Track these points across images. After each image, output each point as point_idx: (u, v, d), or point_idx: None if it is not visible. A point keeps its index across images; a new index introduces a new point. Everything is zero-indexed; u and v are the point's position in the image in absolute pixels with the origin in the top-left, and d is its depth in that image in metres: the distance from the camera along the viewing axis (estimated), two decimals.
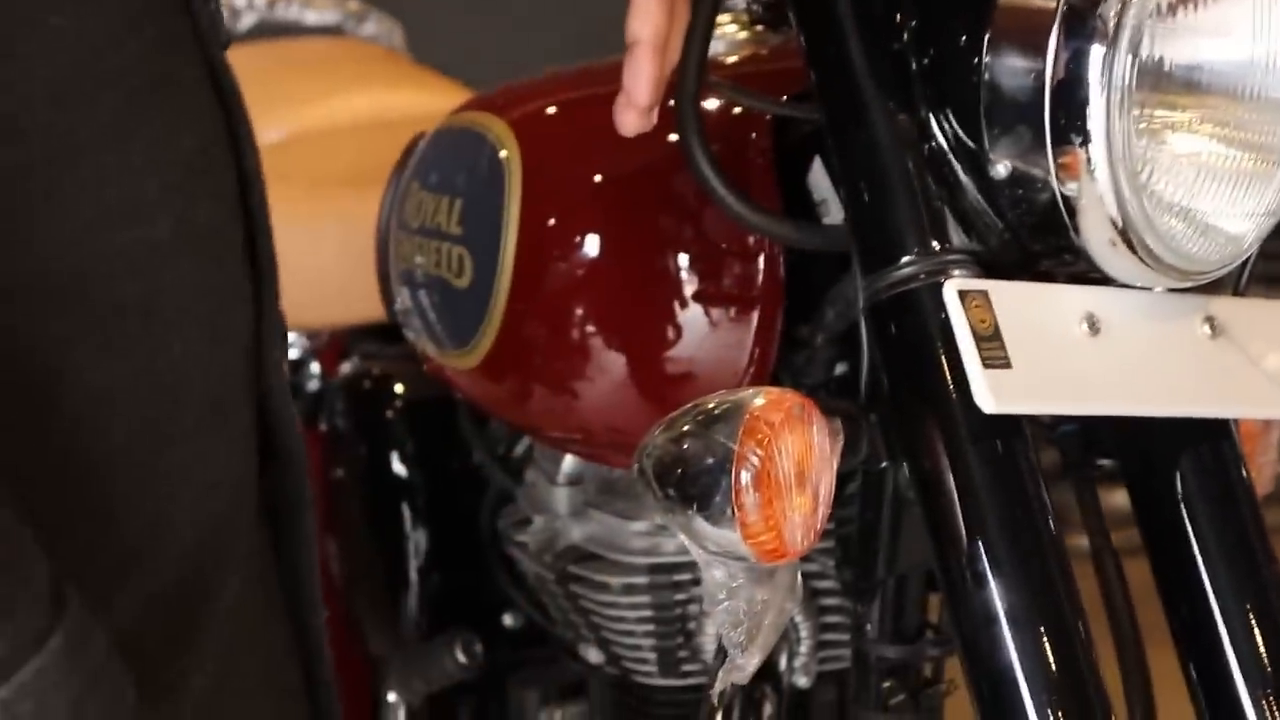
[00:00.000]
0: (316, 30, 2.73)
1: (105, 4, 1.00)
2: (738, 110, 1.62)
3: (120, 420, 1.04)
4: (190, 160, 1.07)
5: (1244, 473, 1.51)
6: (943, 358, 1.34)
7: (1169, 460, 1.49)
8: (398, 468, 2.07)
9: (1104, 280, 1.41)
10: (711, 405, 1.38)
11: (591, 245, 1.67)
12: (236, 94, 1.18)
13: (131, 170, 1.02)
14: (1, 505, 0.91)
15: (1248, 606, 1.47)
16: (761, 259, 1.60)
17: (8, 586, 0.89)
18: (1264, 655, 1.45)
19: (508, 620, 2.02)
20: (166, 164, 1.06)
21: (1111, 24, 1.32)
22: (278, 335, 1.20)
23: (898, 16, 1.45)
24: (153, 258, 1.03)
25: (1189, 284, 1.43)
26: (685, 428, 1.38)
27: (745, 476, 1.34)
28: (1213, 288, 1.47)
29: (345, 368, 2.19)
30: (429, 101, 2.34)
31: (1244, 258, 1.46)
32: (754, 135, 1.59)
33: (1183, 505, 1.49)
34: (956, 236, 1.41)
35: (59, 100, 0.98)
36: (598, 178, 1.68)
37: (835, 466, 1.39)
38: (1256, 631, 1.46)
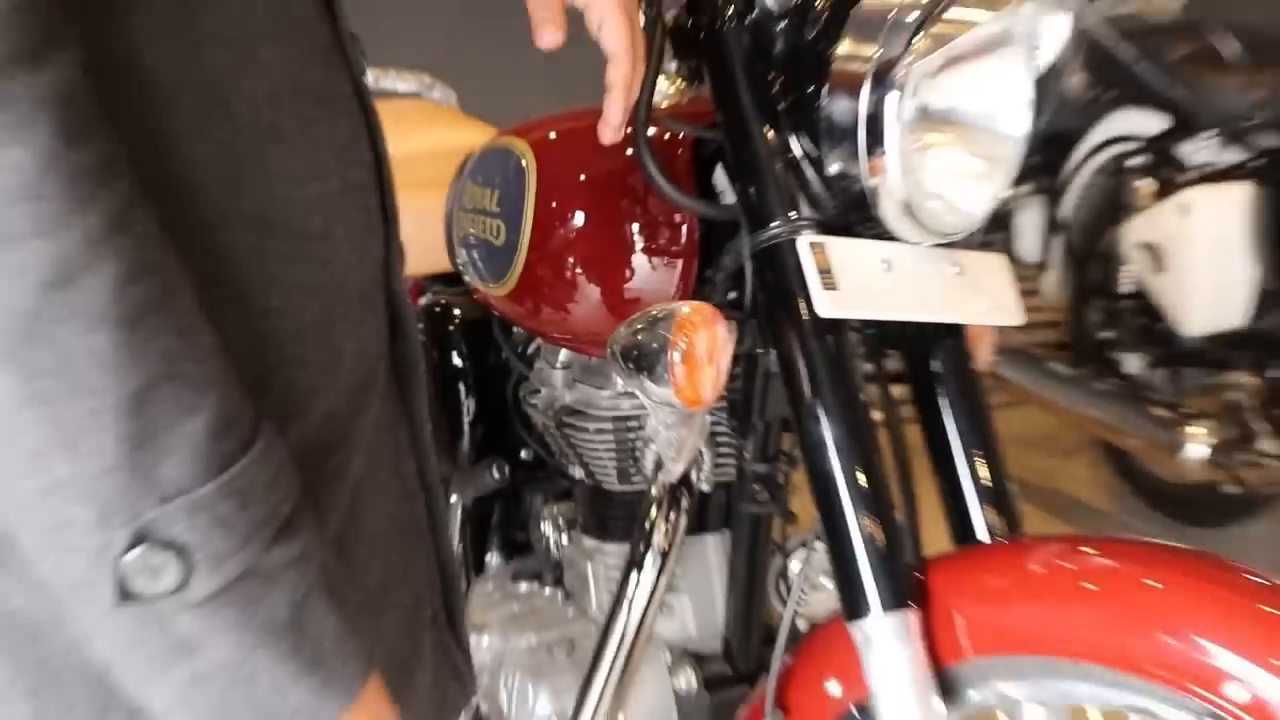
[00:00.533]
0: (404, 94, 2.80)
1: (295, 42, 0.99)
2: (669, 134, 1.63)
3: (310, 303, 1.01)
4: (347, 143, 1.04)
5: (970, 356, 1.53)
6: (796, 284, 1.36)
7: (928, 348, 1.52)
8: (456, 360, 2.07)
9: (893, 237, 1.41)
10: (656, 312, 1.41)
11: (580, 218, 1.66)
12: (370, 104, 1.15)
13: (314, 148, 1.00)
14: (216, 354, 0.87)
15: (975, 440, 1.50)
16: (685, 226, 1.62)
17: (229, 404, 0.85)
18: (984, 474, 1.49)
19: (524, 453, 2.03)
20: (333, 145, 1.04)
21: (899, 82, 1.33)
22: (399, 257, 1.17)
23: (771, 74, 1.45)
24: (328, 202, 1.01)
25: (944, 241, 1.44)
26: (639, 325, 1.41)
27: (676, 355, 1.37)
28: (958, 244, 1.47)
29: (423, 300, 2.19)
30: (473, 138, 2.33)
31: (977, 227, 1.46)
32: (680, 150, 1.61)
33: (935, 376, 1.52)
34: (806, 210, 1.41)
35: (272, 102, 0.97)
36: (583, 175, 1.67)
37: (730, 351, 1.41)
38: (979, 460, 1.49)
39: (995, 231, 3.40)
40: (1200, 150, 3.28)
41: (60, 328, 0.80)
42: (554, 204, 1.68)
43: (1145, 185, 3.35)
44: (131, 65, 0.89)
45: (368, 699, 0.94)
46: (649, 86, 1.49)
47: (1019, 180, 1.55)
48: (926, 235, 1.41)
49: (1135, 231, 3.34)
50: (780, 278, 1.38)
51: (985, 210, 1.43)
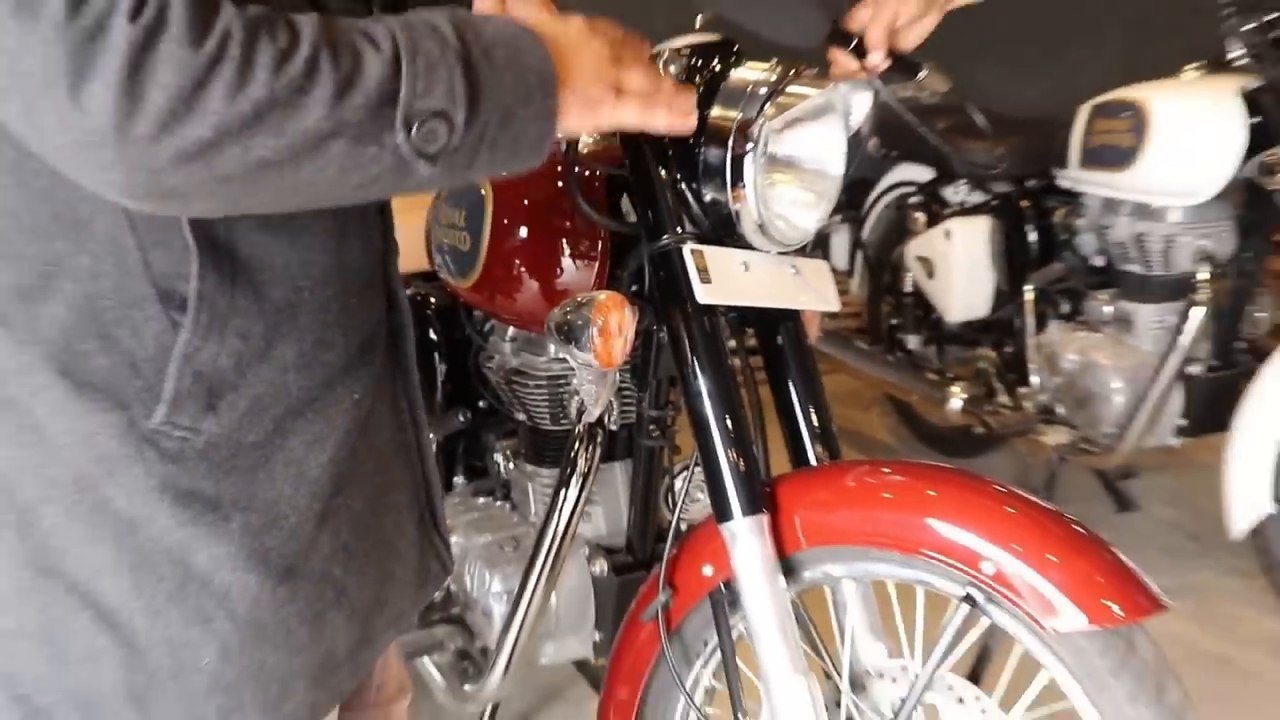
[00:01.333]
0: None
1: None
2: (590, 171, 1.58)
3: (329, 282, 0.97)
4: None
5: (804, 333, 1.50)
6: (682, 280, 1.34)
7: (774, 327, 1.49)
8: (431, 335, 2.02)
9: (751, 246, 1.39)
10: (580, 299, 1.38)
11: (524, 231, 1.63)
12: None
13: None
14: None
15: (807, 392, 1.48)
16: (600, 237, 1.59)
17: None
18: (814, 418, 1.48)
19: (481, 403, 1.99)
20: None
21: (755, 136, 1.32)
22: (394, 249, 1.14)
23: (666, 138, 1.43)
24: (343, 210, 0.96)
25: (786, 249, 1.42)
26: (569, 308, 1.38)
27: (595, 330, 1.35)
28: (796, 252, 1.45)
29: (408, 291, 2.16)
30: None
31: (808, 240, 1.44)
32: (598, 183, 1.57)
33: (779, 347, 1.49)
34: (689, 226, 1.39)
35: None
36: (527, 201, 1.64)
37: (634, 326, 1.39)
38: (811, 407, 1.47)
39: (817, 247, 3.40)
40: (957, 192, 3.30)
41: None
42: (505, 221, 1.65)
43: (919, 217, 3.36)
44: None
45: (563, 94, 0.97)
46: (574, 140, 1.46)
47: (834, 211, 1.54)
48: (774, 245, 1.40)
49: (913, 249, 3.34)
50: (670, 275, 1.35)
51: (814, 228, 1.42)
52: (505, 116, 0.89)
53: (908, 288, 3.46)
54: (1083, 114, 2.80)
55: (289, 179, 0.80)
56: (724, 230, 1.40)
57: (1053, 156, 2.92)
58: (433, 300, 2.04)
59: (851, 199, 3.64)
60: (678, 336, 1.37)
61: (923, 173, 3.39)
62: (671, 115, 1.13)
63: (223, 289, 0.89)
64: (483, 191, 1.68)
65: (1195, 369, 2.76)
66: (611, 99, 1.04)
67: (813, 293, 1.47)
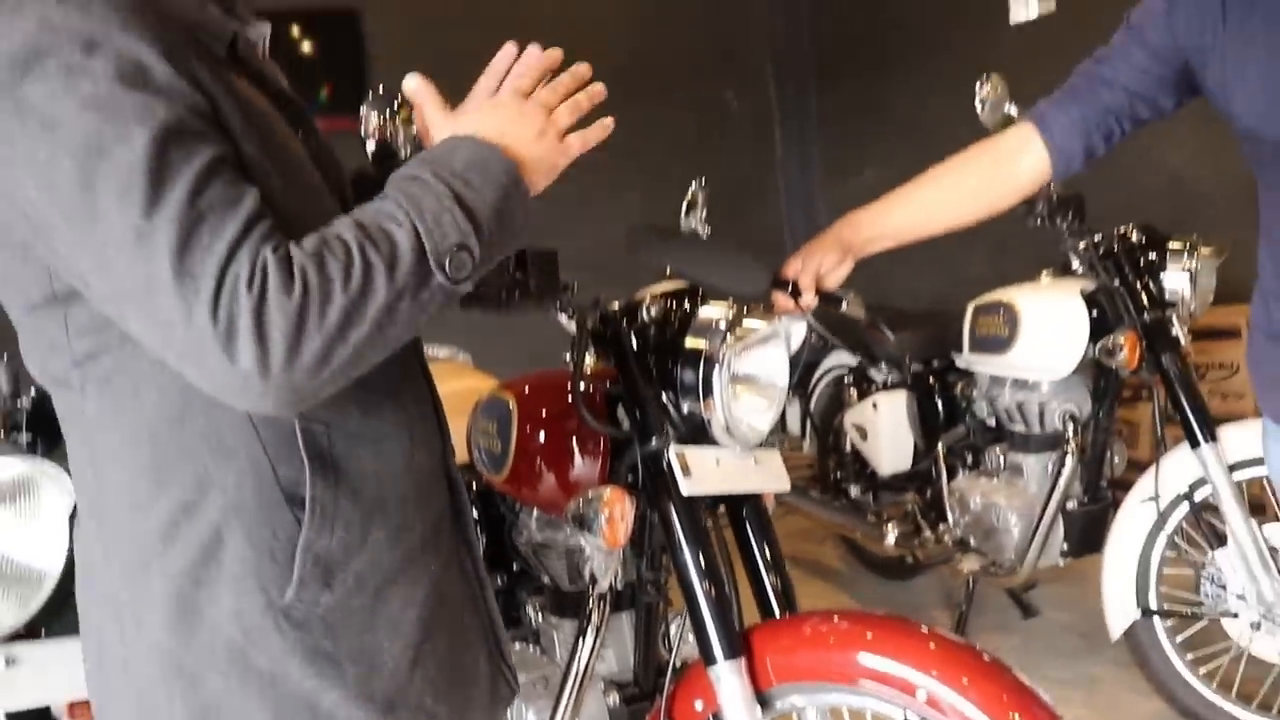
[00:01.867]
0: (442, 359, 2.70)
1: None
2: (592, 388, 1.57)
3: (405, 479, 1.00)
4: (419, 394, 1.07)
5: (764, 506, 1.52)
6: (669, 475, 1.36)
7: (741, 505, 1.50)
8: (475, 514, 2.02)
9: (719, 444, 1.42)
10: (591, 494, 1.40)
11: (543, 437, 1.62)
12: (426, 367, 1.13)
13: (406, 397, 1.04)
14: None
15: (769, 556, 1.49)
16: (601, 441, 1.58)
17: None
18: (773, 579, 1.48)
19: (515, 567, 1.97)
20: (415, 394, 1.06)
21: (720, 360, 1.36)
22: (451, 450, 1.14)
23: (649, 355, 1.46)
24: (410, 424, 1.03)
25: (750, 446, 1.44)
26: (581, 502, 1.40)
27: (603, 519, 1.36)
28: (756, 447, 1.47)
29: None
30: (481, 383, 2.30)
31: (765, 437, 1.46)
32: (598, 397, 1.57)
33: (746, 518, 1.50)
34: (671, 431, 1.41)
35: (385, 372, 0.93)
36: (544, 413, 1.64)
37: (632, 514, 1.40)
38: (771, 570, 1.48)
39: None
40: (880, 373, 3.33)
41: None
42: (528, 429, 1.66)
43: (853, 392, 3.39)
44: None
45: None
46: (579, 365, 1.47)
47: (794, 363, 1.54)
48: (737, 444, 1.43)
49: (849, 418, 3.37)
50: (659, 471, 1.38)
51: (768, 428, 1.45)
52: (500, 218, 0.90)
53: (847, 448, 3.47)
54: (969, 311, 2.87)
55: (381, 341, 0.84)
56: (699, 433, 1.43)
57: (950, 343, 2.98)
58: (474, 485, 2.04)
59: (801, 379, 3.67)
60: (667, 519, 1.39)
61: (853, 358, 3.44)
62: (602, 131, 1.03)
63: (329, 491, 0.94)
64: (510, 405, 1.69)
65: (1072, 504, 2.77)
66: (559, 148, 0.98)
67: (769, 477, 1.50)
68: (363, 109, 1.30)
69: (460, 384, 2.35)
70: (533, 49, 1.00)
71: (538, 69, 0.99)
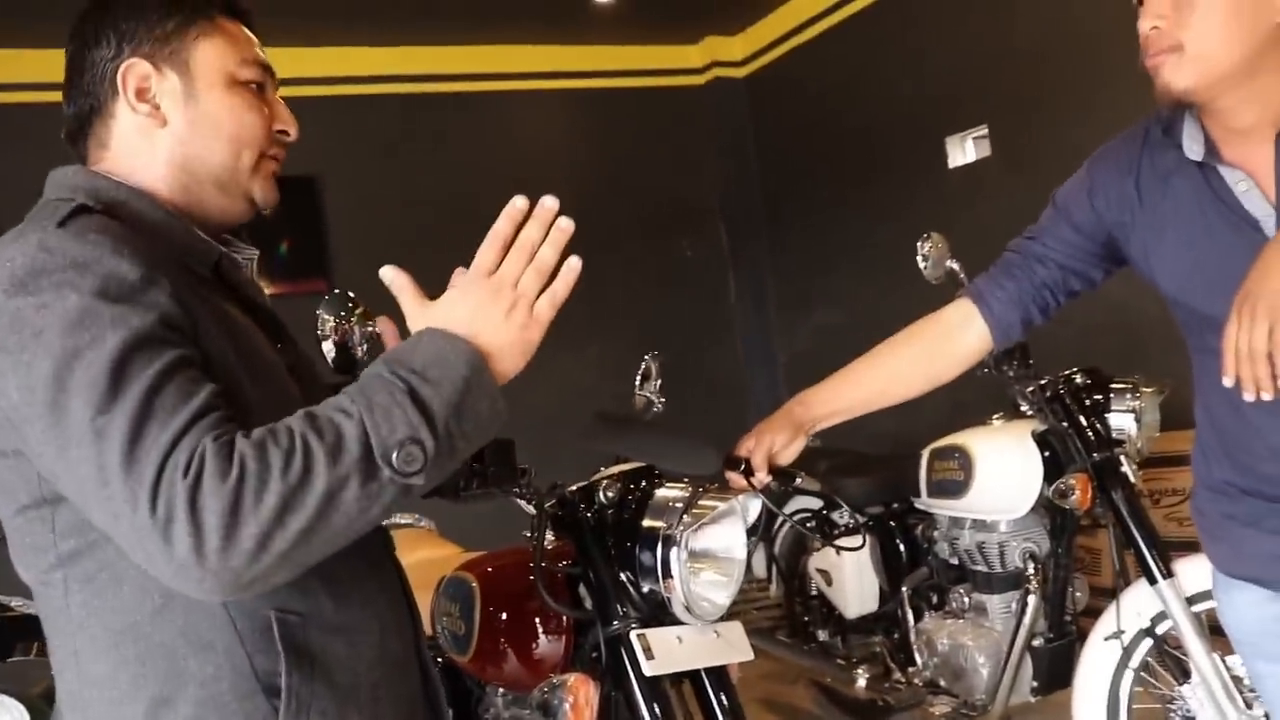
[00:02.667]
0: (404, 525, 2.68)
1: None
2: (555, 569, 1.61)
3: (378, 667, 1.02)
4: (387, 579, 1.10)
5: (729, 676, 1.51)
6: (631, 657, 1.36)
7: (705, 677, 1.49)
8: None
9: (681, 622, 1.42)
10: (555, 681, 1.40)
11: (505, 617, 1.63)
12: (390, 539, 1.15)
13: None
14: None
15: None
16: (564, 621, 1.59)
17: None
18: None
19: None
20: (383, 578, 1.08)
21: (678, 539, 1.38)
22: (423, 635, 1.16)
23: (608, 536, 1.48)
24: (383, 614, 1.05)
25: (710, 621, 1.45)
26: (546, 689, 1.40)
27: (568, 706, 1.36)
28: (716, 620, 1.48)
29: None
30: (445, 551, 2.30)
31: (725, 610, 1.47)
32: (560, 576, 1.58)
33: (711, 688, 1.49)
34: (633, 612, 1.42)
35: (347, 560, 0.94)
36: (506, 594, 1.64)
37: (597, 698, 1.40)
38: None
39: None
40: (842, 517, 3.35)
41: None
42: (491, 609, 1.66)
43: (815, 538, 3.39)
44: None
45: None
46: (539, 549, 1.49)
47: (751, 532, 1.56)
48: (698, 620, 1.43)
49: (814, 562, 3.37)
50: (621, 654, 1.38)
51: (728, 603, 1.45)
52: (458, 412, 0.89)
53: (813, 592, 3.46)
54: (924, 456, 2.91)
55: (326, 530, 0.84)
56: (660, 611, 1.44)
57: (909, 486, 3.01)
58: (439, 660, 2.01)
59: (765, 523, 3.68)
60: (632, 700, 1.39)
61: (815, 502, 3.45)
62: (568, 279, 0.99)
63: (305, 681, 0.96)
64: (473, 585, 1.69)
65: (1038, 641, 2.77)
66: (531, 321, 0.96)
67: (732, 649, 1.50)
68: (319, 310, 1.34)
69: (424, 554, 2.34)
70: (518, 200, 0.99)
71: (506, 237, 0.97)
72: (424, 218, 4.99)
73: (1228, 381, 1.16)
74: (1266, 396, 1.14)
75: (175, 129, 1.03)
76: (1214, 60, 1.25)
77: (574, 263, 0.99)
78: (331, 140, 4.69)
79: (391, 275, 0.97)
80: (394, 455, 0.85)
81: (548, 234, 0.97)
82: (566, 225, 0.98)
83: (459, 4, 4.72)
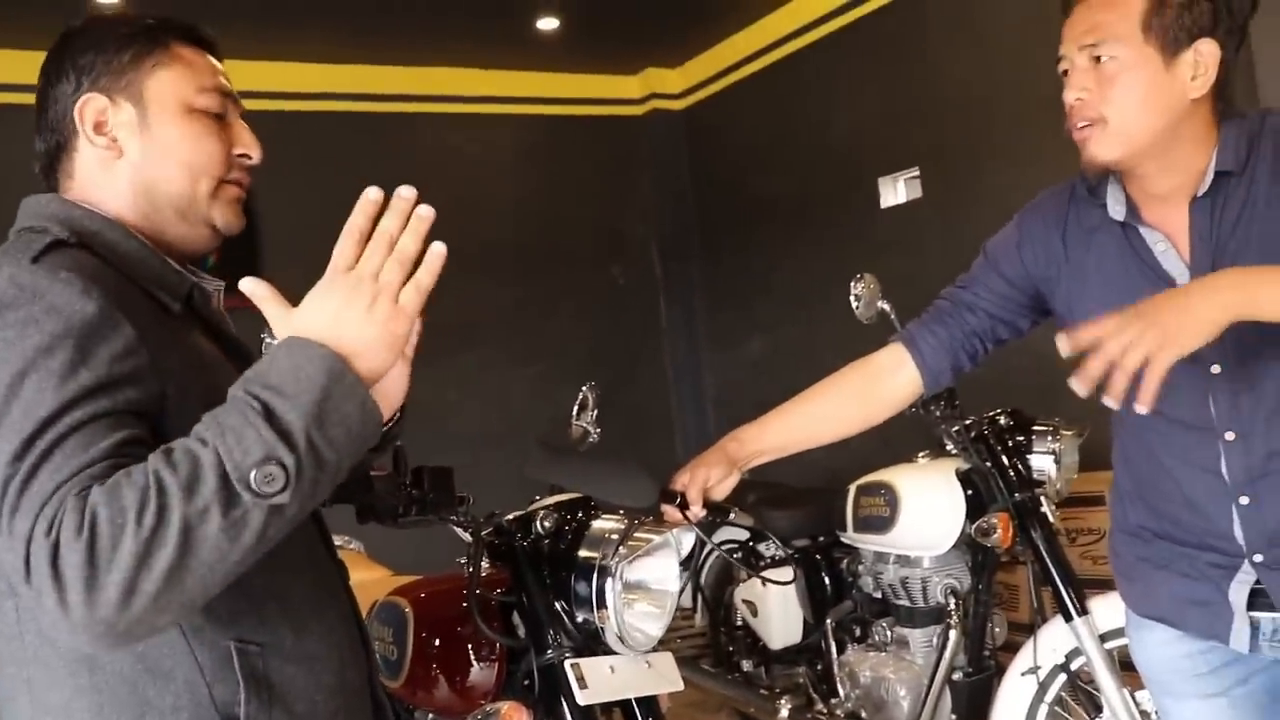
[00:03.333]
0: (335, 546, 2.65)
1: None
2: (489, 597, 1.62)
3: (335, 695, 1.04)
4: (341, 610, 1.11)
5: (659, 708, 1.51)
6: (565, 686, 1.37)
7: (635, 706, 1.49)
8: None
9: (614, 652, 1.44)
10: (488, 708, 1.41)
11: (438, 644, 1.63)
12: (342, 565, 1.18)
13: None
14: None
15: None
16: (497, 651, 1.59)
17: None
18: None
19: None
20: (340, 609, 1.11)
21: (612, 570, 1.39)
22: (378, 668, 1.19)
23: (543, 566, 1.49)
24: (341, 645, 1.07)
25: (642, 651, 1.47)
26: (478, 716, 1.40)
27: None
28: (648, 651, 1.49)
29: None
30: (376, 574, 2.29)
31: (656, 641, 1.48)
32: (494, 604, 1.59)
33: (641, 713, 1.50)
34: (566, 640, 1.43)
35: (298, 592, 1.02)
36: (440, 620, 1.65)
37: None
38: None
39: None
40: (768, 548, 3.38)
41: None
42: (424, 634, 1.66)
43: (741, 568, 3.42)
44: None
45: None
46: (474, 577, 1.49)
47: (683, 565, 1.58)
48: (631, 650, 1.45)
49: (740, 593, 3.40)
50: (555, 683, 1.39)
51: (660, 634, 1.47)
52: (320, 422, 0.85)
53: (738, 622, 3.49)
54: (851, 492, 2.96)
55: (199, 567, 0.81)
56: (593, 641, 1.46)
57: (835, 520, 3.06)
58: None
59: (689, 556, 3.69)
60: None
61: (741, 533, 3.49)
62: (433, 267, 0.95)
63: (263, 708, 0.97)
64: (406, 610, 1.69)
65: (957, 675, 2.83)
66: (395, 314, 0.92)
67: (663, 680, 1.52)
68: (264, 337, 1.34)
69: (355, 577, 2.31)
70: (372, 190, 0.95)
71: (362, 230, 0.94)
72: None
73: (1078, 389, 1.17)
74: (1112, 404, 1.16)
75: (131, 158, 1.05)
76: (1135, 134, 1.32)
77: (438, 248, 0.95)
78: (269, 156, 4.63)
79: (251, 286, 0.93)
80: (251, 477, 0.82)
81: (407, 224, 0.93)
82: (427, 213, 0.94)
83: (403, 24, 4.72)
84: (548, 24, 5.00)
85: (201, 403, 0.90)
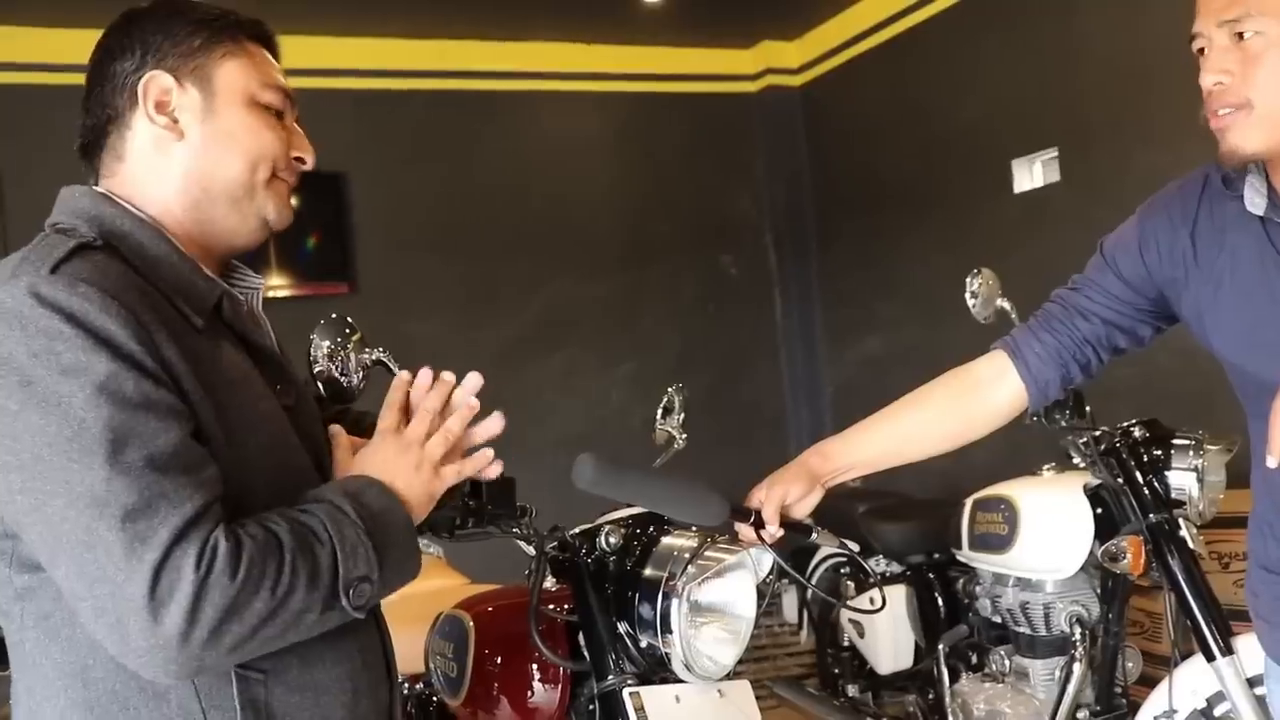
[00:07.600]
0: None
1: None
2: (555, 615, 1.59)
3: None
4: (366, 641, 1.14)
5: None
6: (624, 713, 1.36)
7: None
8: None
9: (680, 680, 1.42)
10: None
11: (500, 662, 1.63)
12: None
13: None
14: None
15: None
16: (561, 673, 1.58)
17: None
18: None
19: None
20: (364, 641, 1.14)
21: (680, 591, 1.38)
22: (398, 699, 1.20)
23: (607, 585, 1.48)
24: (356, 674, 1.11)
25: (712, 679, 1.45)
26: None
27: None
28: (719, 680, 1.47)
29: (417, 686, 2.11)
30: (455, 583, 2.32)
31: (730, 670, 1.45)
32: (561, 624, 1.58)
33: None
34: (629, 666, 1.42)
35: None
36: (502, 638, 1.64)
37: None
38: None
39: (771, 603, 3.41)
40: (879, 564, 3.33)
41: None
42: (486, 652, 1.67)
43: (849, 585, 3.38)
44: None
45: None
46: (536, 594, 1.49)
47: (782, 575, 1.56)
48: (699, 679, 1.43)
49: (846, 612, 3.35)
50: (613, 711, 1.38)
51: (732, 662, 1.44)
52: (395, 561, 1.04)
53: (845, 643, 3.44)
54: (967, 506, 2.88)
55: (279, 641, 0.96)
56: (660, 667, 1.44)
57: (949, 538, 2.98)
58: (432, 700, 2.02)
59: (797, 564, 3.66)
60: None
61: (851, 546, 3.43)
62: (480, 462, 1.20)
63: None
64: (468, 624, 1.70)
65: (1083, 714, 2.73)
66: (434, 479, 1.14)
67: (736, 711, 1.49)
68: (313, 334, 1.36)
69: (431, 583, 2.35)
70: (423, 374, 1.19)
71: (399, 405, 1.17)
72: (451, 218, 5.07)
73: (1271, 463, 1.13)
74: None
75: (191, 142, 1.08)
76: None
77: (488, 453, 1.20)
78: (363, 136, 4.76)
79: (334, 429, 1.18)
80: (352, 590, 0.98)
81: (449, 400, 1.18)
82: (470, 406, 1.19)
83: None
84: None
85: (214, 430, 0.95)
